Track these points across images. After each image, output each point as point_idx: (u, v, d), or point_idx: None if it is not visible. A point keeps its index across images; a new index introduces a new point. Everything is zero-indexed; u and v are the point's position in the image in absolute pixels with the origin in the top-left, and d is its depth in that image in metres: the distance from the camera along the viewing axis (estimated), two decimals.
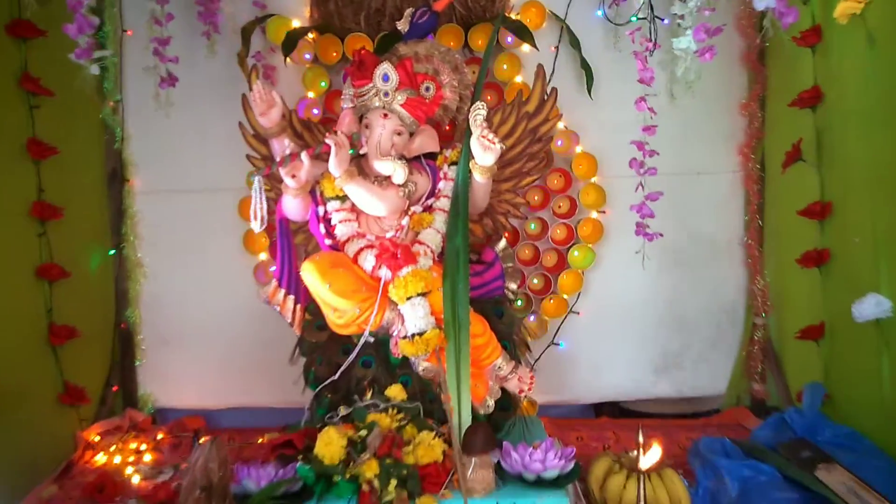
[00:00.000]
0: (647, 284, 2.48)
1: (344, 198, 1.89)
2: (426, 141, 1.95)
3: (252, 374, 2.43)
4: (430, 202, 1.94)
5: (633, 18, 2.09)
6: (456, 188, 1.90)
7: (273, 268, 2.09)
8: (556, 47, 2.39)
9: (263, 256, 2.45)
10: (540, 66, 2.09)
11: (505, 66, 2.38)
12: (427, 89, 1.96)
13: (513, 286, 2.02)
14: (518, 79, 2.37)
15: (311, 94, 2.39)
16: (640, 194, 2.12)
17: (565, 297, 2.47)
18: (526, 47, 2.37)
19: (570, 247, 2.44)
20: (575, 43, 2.34)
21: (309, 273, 1.77)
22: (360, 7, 2.32)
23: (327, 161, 1.80)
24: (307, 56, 2.41)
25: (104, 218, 2.48)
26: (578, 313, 2.48)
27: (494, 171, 1.88)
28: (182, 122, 2.44)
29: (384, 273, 1.81)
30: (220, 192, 2.45)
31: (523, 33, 2.22)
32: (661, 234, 2.12)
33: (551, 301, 2.47)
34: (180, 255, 2.50)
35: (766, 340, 2.49)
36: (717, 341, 2.54)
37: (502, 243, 2.05)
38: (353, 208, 1.89)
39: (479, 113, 1.84)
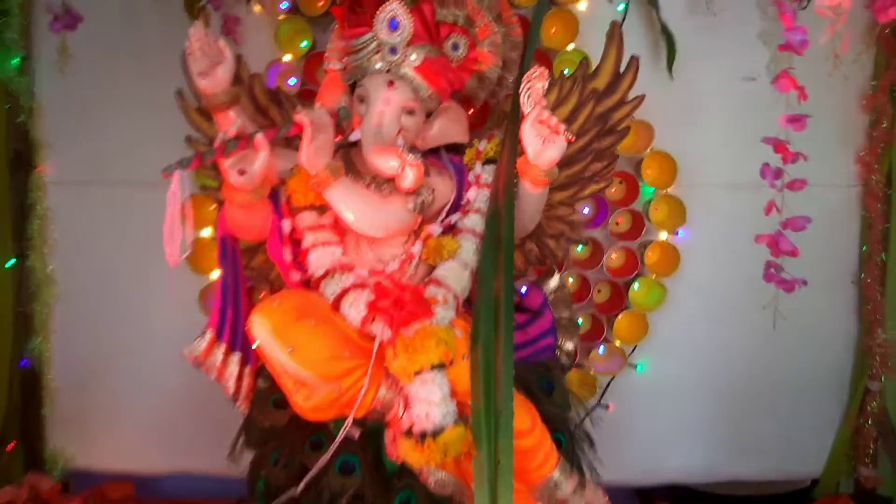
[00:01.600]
0: (726, 333, 1.82)
1: (322, 208, 1.22)
2: (451, 126, 1.28)
3: (199, 430, 1.78)
4: (454, 219, 1.28)
5: None
6: (495, 200, 1.22)
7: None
8: (625, 8, 1.71)
9: (217, 275, 1.74)
10: (615, 25, 1.41)
11: (554, 30, 1.69)
12: (455, 47, 1.28)
13: (569, 346, 1.32)
14: (570, 47, 1.68)
15: (286, 57, 1.69)
16: (770, 220, 1.42)
17: (620, 344, 1.78)
18: (582, 4, 1.70)
19: (632, 279, 1.76)
20: (652, 1, 1.64)
21: (261, 328, 1.08)
22: None
23: (297, 150, 1.13)
24: (283, 5, 1.70)
25: (2, 217, 1.79)
26: (637, 367, 1.81)
27: (555, 175, 1.20)
28: (113, 90, 1.78)
29: (381, 330, 1.12)
30: (161, 187, 1.73)
31: None
32: (806, 282, 1.42)
33: (601, 351, 1.79)
34: (105, 268, 1.82)
35: (882, 412, 1.82)
36: (815, 410, 1.87)
37: (555, 280, 1.37)
38: (337, 225, 1.23)
39: (535, 83, 1.16)
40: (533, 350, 1.31)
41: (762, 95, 1.72)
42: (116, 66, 1.75)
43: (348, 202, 1.16)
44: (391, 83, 1.21)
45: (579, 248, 1.78)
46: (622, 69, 1.41)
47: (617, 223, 1.78)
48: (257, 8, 1.69)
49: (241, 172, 1.09)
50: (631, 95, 1.43)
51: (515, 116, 1.25)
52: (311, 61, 1.68)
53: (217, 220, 1.26)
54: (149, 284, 1.81)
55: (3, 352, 1.81)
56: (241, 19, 1.70)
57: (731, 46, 1.71)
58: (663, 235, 1.77)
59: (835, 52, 1.31)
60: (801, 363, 1.85)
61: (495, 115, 1.46)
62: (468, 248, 1.24)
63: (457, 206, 1.29)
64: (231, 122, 1.11)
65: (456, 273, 1.21)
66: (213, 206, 1.63)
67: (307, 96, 1.67)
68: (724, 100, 1.73)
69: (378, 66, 1.21)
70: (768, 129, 1.69)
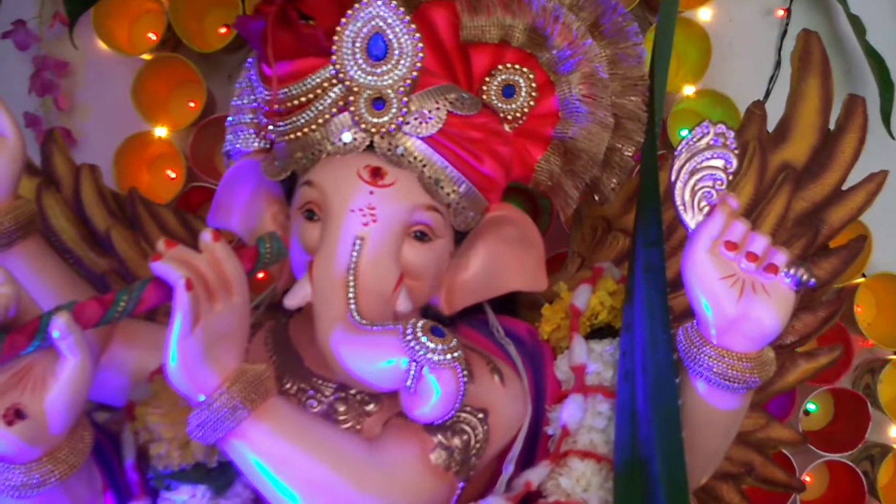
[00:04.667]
0: None
1: (223, 476, 0.80)
2: (507, 261, 0.90)
3: None
4: (535, 480, 0.84)
5: None
6: (631, 430, 0.80)
7: None
8: (787, 9, 1.38)
9: None
10: (811, 37, 1.04)
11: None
12: (508, 92, 0.89)
13: None
14: (688, 90, 1.34)
15: (159, 131, 1.32)
16: None
17: None
18: (706, 12, 1.37)
19: None
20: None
21: None
22: None
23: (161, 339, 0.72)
24: (151, 36, 1.36)
25: None
26: None
27: (770, 370, 0.78)
28: None
29: None
30: None
31: None
32: None
33: None
34: None
35: None
36: None
37: None
38: None
39: (706, 161, 0.78)
40: None
41: None
42: None
43: (285, 464, 0.72)
44: (377, 173, 0.79)
45: None
46: (839, 125, 1.05)
47: (808, 413, 1.37)
48: (102, 45, 1.29)
49: (15, 417, 0.64)
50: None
51: (653, 232, 0.83)
52: (205, 136, 1.32)
53: None
54: None
55: None
56: (69, 66, 1.35)
57: None
58: None
59: None
60: None
61: (585, 228, 1.03)
62: None
63: (536, 442, 0.86)
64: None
65: None
66: None
67: (197, 200, 1.33)
68: None
69: (347, 137, 0.80)
70: None
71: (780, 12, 1.37)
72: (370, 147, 0.81)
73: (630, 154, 0.94)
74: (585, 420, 0.85)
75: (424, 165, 0.80)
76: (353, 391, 0.82)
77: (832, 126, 1.05)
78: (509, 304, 0.96)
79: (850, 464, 1.31)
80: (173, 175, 1.34)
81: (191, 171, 1.32)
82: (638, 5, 1.31)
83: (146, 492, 0.80)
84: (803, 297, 1.01)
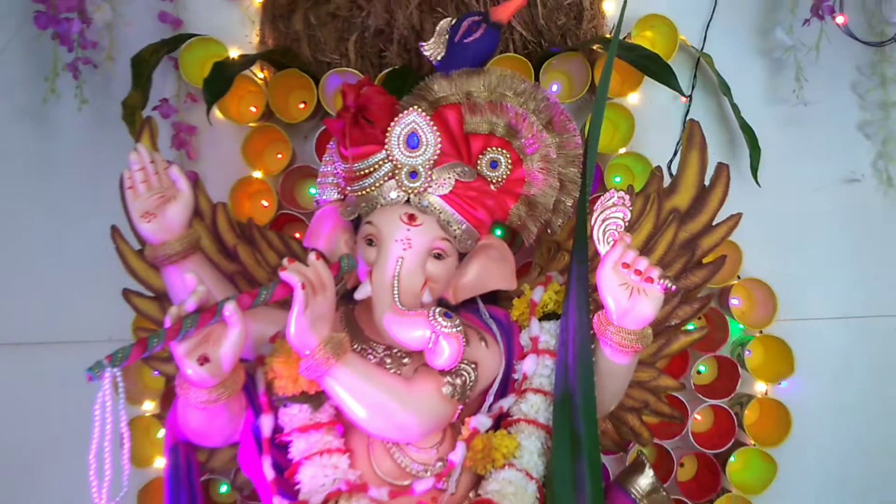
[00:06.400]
0: None
1: (318, 398, 1.00)
2: (492, 270, 1.09)
3: None
4: (506, 405, 1.07)
5: None
6: (564, 377, 1.01)
7: None
8: (689, 97, 1.57)
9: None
10: (694, 125, 1.24)
11: None
12: (493, 165, 1.10)
13: None
14: (622, 150, 1.52)
15: (256, 174, 1.50)
16: None
17: None
18: (634, 97, 1.54)
19: (727, 451, 1.51)
20: (725, 89, 1.50)
21: None
22: (347, 27, 1.50)
23: (281, 308, 0.96)
24: (252, 109, 1.54)
25: None
26: None
27: (649, 339, 1.00)
28: (21, 229, 1.59)
29: None
30: (91, 347, 1.51)
31: (656, 67, 1.35)
32: None
33: None
34: (22, 452, 1.57)
35: None
36: None
37: (647, 479, 1.13)
38: (340, 423, 1.01)
39: (612, 213, 0.98)
40: None
41: (869, 200, 1.59)
42: (26, 197, 1.58)
43: (356, 392, 0.94)
44: (412, 218, 1.02)
45: None
46: (707, 180, 1.23)
47: (699, 373, 1.56)
48: (219, 114, 1.51)
49: (204, 361, 0.88)
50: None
51: (582, 254, 1.07)
52: (290, 179, 1.52)
53: (166, 425, 1.03)
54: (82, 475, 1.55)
55: None
56: (196, 129, 1.55)
57: (825, 142, 1.58)
58: (761, 388, 1.55)
59: None
60: None
61: (543, 249, 1.27)
62: (531, 448, 1.01)
63: (507, 383, 1.07)
64: (188, 285, 0.89)
65: (517, 486, 0.98)
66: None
67: (283, 222, 1.51)
68: (823, 208, 1.58)
69: (393, 195, 1.02)
70: (882, 242, 1.56)
71: (684, 98, 1.53)
72: (408, 201, 1.01)
73: (570, 204, 1.13)
74: (538, 370, 1.06)
75: (441, 213, 1.01)
76: (395, 350, 1.02)
77: (707, 183, 1.20)
78: (493, 297, 1.17)
79: (727, 407, 1.48)
80: (266, 204, 1.52)
81: (280, 202, 1.49)
82: (587, 91, 1.46)
83: (271, 409, 1.01)
84: (684, 295, 1.20)
